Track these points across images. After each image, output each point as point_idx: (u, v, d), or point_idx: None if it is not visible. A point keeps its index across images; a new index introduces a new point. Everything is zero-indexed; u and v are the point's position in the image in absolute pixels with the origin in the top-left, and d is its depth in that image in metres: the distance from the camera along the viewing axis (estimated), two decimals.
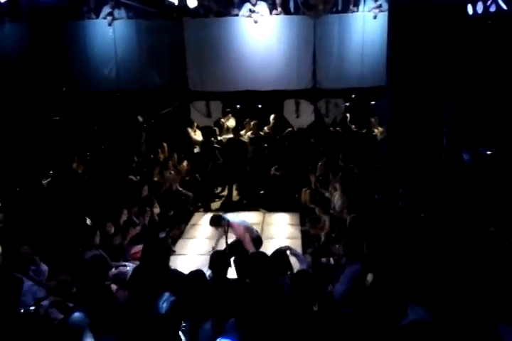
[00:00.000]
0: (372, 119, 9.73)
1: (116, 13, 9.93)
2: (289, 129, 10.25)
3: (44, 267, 5.00)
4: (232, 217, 6.38)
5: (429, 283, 3.90)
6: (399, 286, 3.96)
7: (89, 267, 4.46)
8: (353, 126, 10.25)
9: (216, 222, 6.33)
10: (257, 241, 6.16)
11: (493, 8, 6.43)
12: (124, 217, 6.75)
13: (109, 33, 9.86)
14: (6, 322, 3.70)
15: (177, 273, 4.53)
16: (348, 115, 10.25)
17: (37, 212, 6.43)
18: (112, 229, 6.29)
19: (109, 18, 9.84)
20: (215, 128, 10.52)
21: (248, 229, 6.16)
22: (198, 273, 4.06)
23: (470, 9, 6.60)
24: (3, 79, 8.49)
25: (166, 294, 3.79)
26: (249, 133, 10.29)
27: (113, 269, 5.83)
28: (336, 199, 6.88)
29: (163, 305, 3.70)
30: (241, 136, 10.19)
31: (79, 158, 8.63)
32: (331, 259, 5.72)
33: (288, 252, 4.61)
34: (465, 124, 6.16)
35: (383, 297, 3.99)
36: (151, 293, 3.98)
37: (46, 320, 4.11)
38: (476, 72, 6.39)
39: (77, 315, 3.55)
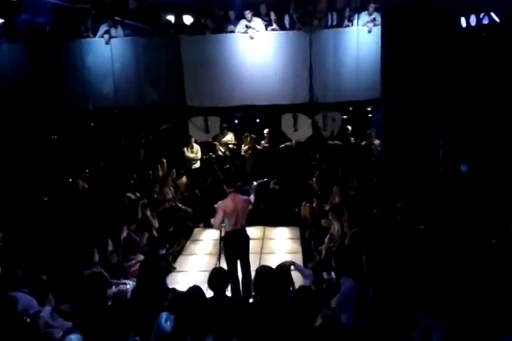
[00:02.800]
0: (372, 132, 9.76)
1: (113, 31, 10.03)
2: (287, 143, 10.28)
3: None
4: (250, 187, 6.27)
5: (431, 295, 3.87)
6: (403, 300, 3.92)
7: (88, 285, 4.43)
8: (352, 139, 10.29)
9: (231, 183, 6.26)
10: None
11: (486, 21, 6.51)
12: (124, 234, 6.74)
13: (107, 51, 9.95)
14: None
15: (175, 291, 4.51)
16: (349, 127, 10.29)
17: (36, 231, 6.40)
18: (112, 247, 6.27)
19: (106, 36, 9.94)
20: (215, 143, 10.59)
21: (226, 208, 6.06)
22: (195, 290, 4.02)
23: (463, 22, 6.67)
24: (1, 99, 8.55)
25: (164, 313, 3.75)
26: (246, 148, 10.34)
27: (113, 287, 5.80)
28: None
29: (167, 324, 3.66)
30: (240, 150, 10.26)
31: (80, 175, 8.63)
32: (332, 273, 5.68)
33: (292, 267, 4.55)
34: (461, 136, 6.16)
35: (386, 312, 3.95)
36: (149, 314, 3.93)
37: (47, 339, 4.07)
38: (471, 84, 6.42)
39: (73, 337, 3.50)
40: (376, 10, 9.29)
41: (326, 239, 6.84)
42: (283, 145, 10.29)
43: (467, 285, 4.21)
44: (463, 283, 4.23)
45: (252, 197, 6.54)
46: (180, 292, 4.39)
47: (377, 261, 4.62)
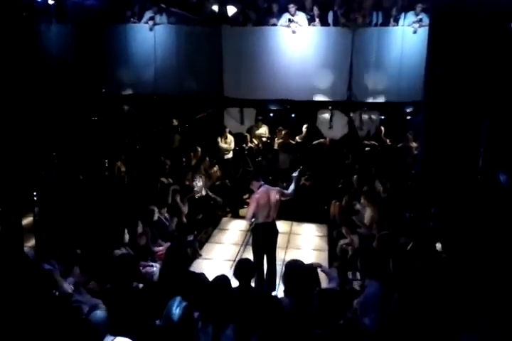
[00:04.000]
0: (409, 135, 9.60)
1: (157, 18, 10.18)
2: (320, 140, 10.22)
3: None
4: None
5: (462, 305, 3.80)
6: (431, 308, 3.87)
7: (117, 265, 4.52)
8: (388, 140, 10.15)
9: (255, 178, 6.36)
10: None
11: None
12: (155, 217, 6.85)
13: (150, 37, 10.09)
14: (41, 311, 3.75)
15: (202, 277, 4.56)
16: (382, 128, 10.16)
17: (71, 209, 6.56)
18: (141, 229, 6.39)
19: (151, 22, 10.09)
20: (247, 134, 10.64)
21: (260, 199, 6.10)
22: (222, 279, 4.06)
23: None
24: (46, 78, 8.75)
25: (178, 298, 3.74)
26: (279, 142, 10.34)
27: (141, 269, 5.92)
28: (367, 213, 6.81)
29: (176, 312, 3.66)
30: (273, 143, 10.28)
31: (117, 157, 8.78)
32: (358, 274, 5.67)
33: (319, 269, 4.54)
34: (503, 146, 6.00)
35: (410, 317, 3.92)
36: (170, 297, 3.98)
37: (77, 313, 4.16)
38: None
39: (98, 313, 3.58)
40: (423, 10, 9.16)
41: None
42: (316, 141, 10.23)
43: (496, 299, 4.14)
44: (492, 297, 4.16)
45: (292, 187, 6.55)
46: (207, 279, 4.45)
47: (404, 266, 4.57)
